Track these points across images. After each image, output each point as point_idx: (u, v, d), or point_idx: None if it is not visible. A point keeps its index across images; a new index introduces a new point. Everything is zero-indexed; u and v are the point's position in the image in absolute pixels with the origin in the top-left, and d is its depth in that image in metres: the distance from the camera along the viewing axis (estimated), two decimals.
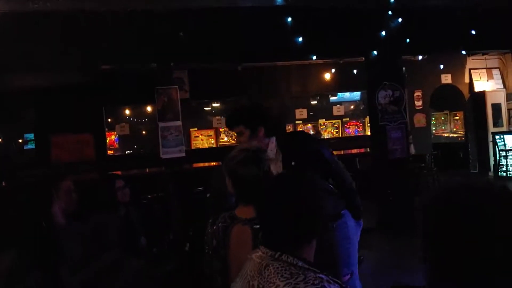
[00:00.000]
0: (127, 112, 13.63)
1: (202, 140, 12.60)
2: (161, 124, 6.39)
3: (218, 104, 13.82)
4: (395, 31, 7.08)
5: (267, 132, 2.88)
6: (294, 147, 2.25)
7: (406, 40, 7.16)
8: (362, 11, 7.01)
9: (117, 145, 13.51)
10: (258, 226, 1.77)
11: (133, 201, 4.56)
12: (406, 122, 7.37)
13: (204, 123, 13.09)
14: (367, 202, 7.67)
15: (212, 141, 12.66)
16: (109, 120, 12.53)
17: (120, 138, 12.63)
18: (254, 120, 2.87)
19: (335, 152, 10.99)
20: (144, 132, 14.15)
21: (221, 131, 12.68)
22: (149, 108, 12.62)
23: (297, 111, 11.65)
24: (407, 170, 7.78)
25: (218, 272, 1.95)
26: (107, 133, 11.25)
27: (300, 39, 6.88)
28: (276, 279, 1.31)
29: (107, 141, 11.44)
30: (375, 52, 7.12)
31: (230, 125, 2.95)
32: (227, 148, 4.07)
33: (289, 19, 6.80)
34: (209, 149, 11.98)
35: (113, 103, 10.59)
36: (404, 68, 8.14)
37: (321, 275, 1.32)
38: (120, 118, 12.95)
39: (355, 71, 10.02)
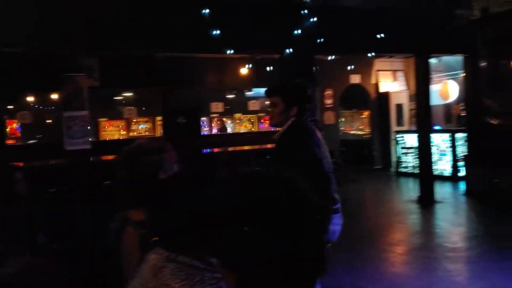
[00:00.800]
0: (31, 99, 12.70)
1: (112, 131, 12.12)
2: (65, 114, 6.04)
3: (130, 94, 13.37)
4: (309, 30, 7.27)
5: (299, 113, 2.93)
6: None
7: (319, 40, 7.38)
8: (278, 8, 7.12)
9: (19, 134, 12.63)
10: (145, 231, 1.72)
11: (34, 194, 4.26)
12: (317, 119, 7.60)
13: (115, 114, 12.61)
14: None
15: (123, 132, 12.22)
16: (10, 107, 11.65)
17: (23, 127, 11.80)
18: (292, 97, 2.94)
19: (249, 147, 11.19)
20: (48, 121, 13.31)
21: (132, 122, 12.28)
22: (55, 96, 11.89)
23: (213, 104, 11.58)
24: None
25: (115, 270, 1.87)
26: (7, 121, 10.45)
27: (217, 32, 6.84)
28: (171, 281, 1.27)
29: (8, 129, 10.62)
30: (289, 50, 7.26)
31: (268, 93, 3.03)
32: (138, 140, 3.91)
33: (207, 10, 6.73)
34: (119, 140, 11.52)
35: (13, 89, 9.82)
36: (316, 67, 8.40)
37: (218, 275, 1.28)
38: (22, 105, 12.05)
39: (269, 68, 10.15)
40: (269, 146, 11.81)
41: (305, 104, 3.03)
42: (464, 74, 9.64)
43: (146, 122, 12.74)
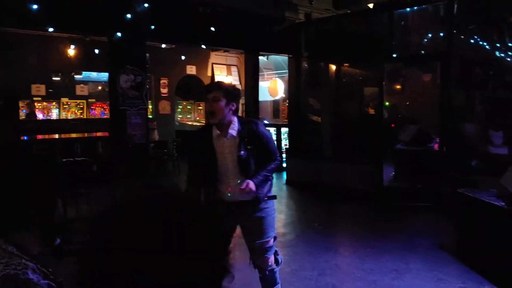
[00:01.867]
0: None
1: None
2: None
3: None
4: (141, 15, 7.03)
5: (235, 111, 3.18)
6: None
7: (151, 26, 7.19)
8: None
9: None
10: None
11: None
12: (147, 108, 7.44)
13: None
14: (108, 187, 7.49)
15: None
16: None
17: None
18: (232, 94, 3.14)
19: (76, 135, 10.44)
20: None
21: None
22: None
23: (34, 87, 10.49)
24: (148, 155, 7.89)
25: None
26: None
27: (37, 7, 6.17)
28: None
29: None
30: (119, 34, 6.93)
31: (211, 88, 3.19)
32: None
33: None
34: None
35: None
36: (148, 54, 8.20)
37: (30, 263, 1.34)
38: None
39: (97, 51, 9.57)
40: (99, 134, 11.21)
41: (238, 103, 3.29)
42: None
43: None
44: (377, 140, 8.11)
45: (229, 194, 3.20)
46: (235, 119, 3.17)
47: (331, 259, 5.01)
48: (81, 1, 6.51)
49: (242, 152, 3.12)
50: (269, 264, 3.30)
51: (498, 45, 7.93)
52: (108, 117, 13.01)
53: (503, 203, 4.28)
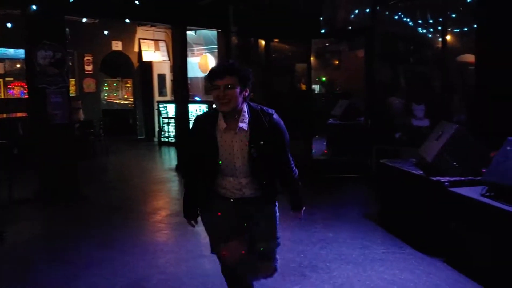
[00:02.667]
0: None
1: None
2: None
3: None
4: None
5: (247, 98, 2.65)
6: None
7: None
8: None
9: None
10: None
11: None
12: (68, 86, 7.03)
13: None
14: (31, 171, 7.05)
15: None
16: None
17: None
18: (247, 78, 2.59)
19: None
20: None
21: None
22: None
23: None
24: (72, 136, 7.52)
25: None
26: None
27: None
28: None
29: None
30: (34, 6, 6.44)
31: (223, 73, 2.53)
32: None
33: None
34: None
35: None
36: (67, 29, 7.71)
37: None
38: None
39: (9, 25, 8.86)
40: (19, 115, 10.52)
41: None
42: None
43: None
44: (307, 115, 8.25)
45: (236, 191, 2.71)
46: (245, 107, 2.64)
47: None
48: None
49: (254, 150, 2.60)
50: (273, 272, 2.92)
51: (420, 21, 8.26)
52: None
53: (421, 172, 4.51)
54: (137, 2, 7.49)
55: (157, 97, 13.09)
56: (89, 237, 5.21)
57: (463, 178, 4.12)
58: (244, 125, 2.60)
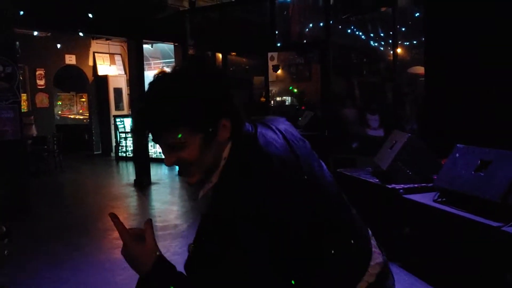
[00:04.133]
0: None
1: None
2: None
3: None
4: (7, 1, 6.38)
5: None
6: None
7: (19, 12, 6.57)
8: None
9: None
10: None
11: None
12: (20, 101, 6.81)
13: None
14: None
15: None
16: None
17: None
18: (214, 105, 1.69)
19: None
20: None
21: None
22: None
23: None
24: (24, 152, 7.27)
25: None
26: None
27: None
28: None
29: None
30: None
31: (154, 127, 1.31)
32: None
33: None
34: None
35: None
36: (18, 43, 7.50)
37: None
38: None
39: None
40: None
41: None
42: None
43: None
44: None
45: None
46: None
47: None
48: None
49: None
50: None
51: (371, 35, 8.55)
52: None
53: (377, 180, 4.63)
54: (90, 15, 7.37)
55: (113, 112, 12.85)
56: (41, 256, 5.03)
57: (416, 185, 4.25)
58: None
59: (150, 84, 1.23)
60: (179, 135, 1.18)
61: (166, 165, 1.26)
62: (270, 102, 11.48)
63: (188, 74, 1.21)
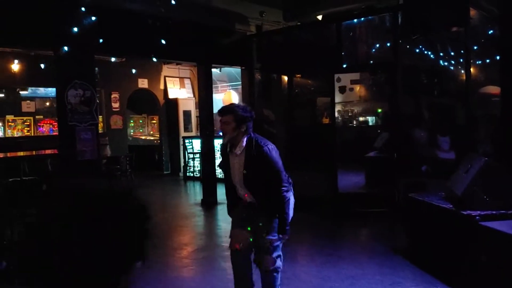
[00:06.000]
0: None
1: None
2: None
3: None
4: (88, 28, 6.85)
5: (247, 131, 3.52)
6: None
7: (99, 40, 7.03)
8: (52, 3, 6.54)
9: None
10: None
11: None
12: (97, 123, 7.24)
13: None
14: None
15: None
16: None
17: None
18: (242, 117, 3.48)
19: (24, 153, 10.00)
20: None
21: None
22: None
23: None
24: (99, 171, 7.68)
25: None
26: None
27: None
28: None
29: None
30: (66, 48, 6.73)
31: (223, 112, 3.54)
32: None
33: None
34: None
35: None
36: (96, 68, 8.00)
37: None
38: None
39: (42, 66, 9.26)
40: (48, 151, 10.79)
41: (251, 122, 3.57)
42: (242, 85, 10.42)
43: None
44: (329, 148, 8.22)
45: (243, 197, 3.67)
46: (244, 139, 3.53)
47: (288, 269, 4.99)
48: (23, 14, 6.28)
49: (245, 170, 3.49)
50: (273, 265, 3.56)
51: (441, 54, 8.28)
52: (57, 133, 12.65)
53: (451, 206, 4.43)
54: (163, 42, 7.73)
55: (182, 133, 13.29)
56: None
57: (494, 212, 4.03)
58: (238, 151, 3.54)
59: (232, 104, 3.76)
60: (229, 118, 3.51)
61: (220, 128, 3.61)
62: (341, 123, 11.23)
63: (239, 106, 3.61)
